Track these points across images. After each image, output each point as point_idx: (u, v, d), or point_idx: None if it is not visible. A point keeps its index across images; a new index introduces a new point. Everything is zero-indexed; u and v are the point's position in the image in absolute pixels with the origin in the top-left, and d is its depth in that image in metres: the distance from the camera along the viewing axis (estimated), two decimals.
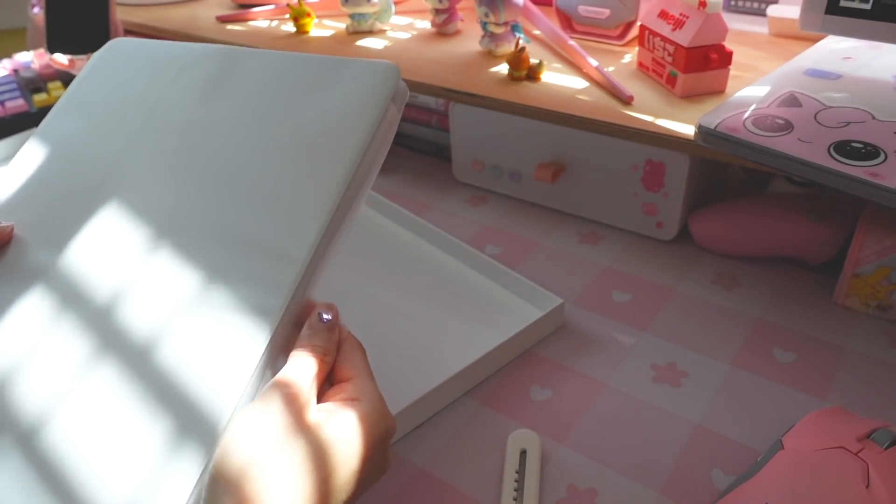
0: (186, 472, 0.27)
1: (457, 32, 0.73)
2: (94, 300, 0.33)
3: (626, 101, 0.55)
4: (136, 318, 0.32)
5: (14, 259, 0.35)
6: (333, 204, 0.33)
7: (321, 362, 0.30)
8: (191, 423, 0.28)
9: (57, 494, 0.28)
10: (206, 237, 0.34)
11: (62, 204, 0.37)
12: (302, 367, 0.30)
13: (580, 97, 0.56)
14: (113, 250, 0.34)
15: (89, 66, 0.44)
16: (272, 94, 0.37)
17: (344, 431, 0.28)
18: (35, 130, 0.42)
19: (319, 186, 0.33)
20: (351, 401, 0.30)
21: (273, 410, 0.27)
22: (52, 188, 0.38)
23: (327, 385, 0.32)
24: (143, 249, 0.34)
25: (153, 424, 0.28)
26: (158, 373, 0.30)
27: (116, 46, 0.45)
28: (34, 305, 0.33)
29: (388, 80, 0.35)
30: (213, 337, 0.30)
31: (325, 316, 0.32)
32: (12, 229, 0.36)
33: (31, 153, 0.41)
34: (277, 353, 0.31)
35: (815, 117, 0.45)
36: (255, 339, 0.30)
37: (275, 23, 0.81)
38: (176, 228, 0.34)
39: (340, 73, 0.36)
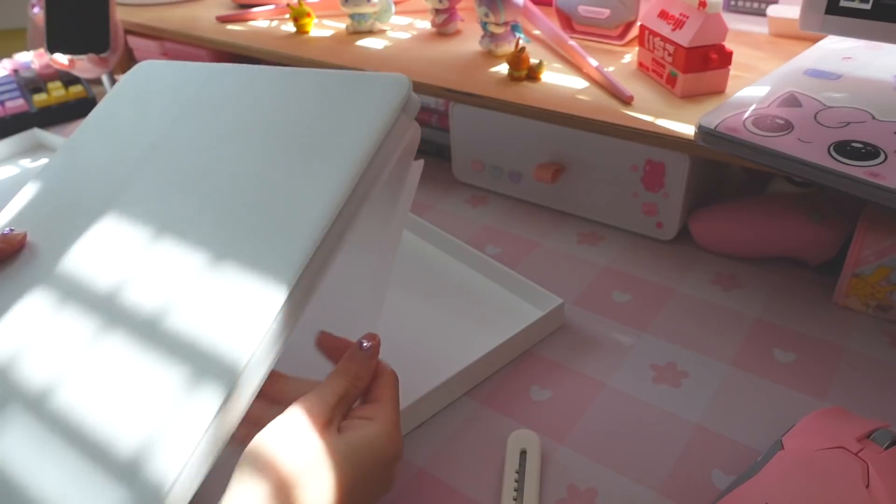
0: (204, 410, 0.28)
1: (457, 32, 0.74)
2: (109, 282, 0.35)
3: (626, 101, 0.55)
4: (150, 292, 0.33)
5: (28, 260, 0.38)
6: (340, 198, 0.33)
7: (352, 386, 0.33)
8: (208, 369, 0.29)
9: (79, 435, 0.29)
10: (214, 229, 0.35)
11: (75, 214, 0.39)
12: (329, 387, 0.32)
13: (580, 97, 0.56)
14: (124, 246, 0.36)
15: (114, 89, 0.46)
16: (283, 108, 0.39)
17: (349, 447, 0.30)
18: (58, 150, 0.44)
19: (325, 187, 0.34)
20: (366, 420, 0.32)
21: (287, 421, 0.29)
22: (65, 201, 0.40)
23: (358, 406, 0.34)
24: (152, 242, 0.36)
25: (172, 369, 0.30)
26: (176, 331, 0.31)
27: (142, 69, 0.47)
28: (51, 289, 0.36)
29: (397, 91, 0.36)
30: (228, 299, 0.32)
31: (365, 344, 0.35)
32: (25, 235, 0.39)
33: (49, 170, 0.43)
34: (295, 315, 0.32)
35: (815, 117, 0.45)
36: (271, 296, 0.31)
37: (275, 23, 0.81)
38: (183, 226, 0.36)
39: (350, 87, 0.37)
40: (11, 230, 0.39)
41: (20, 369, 0.33)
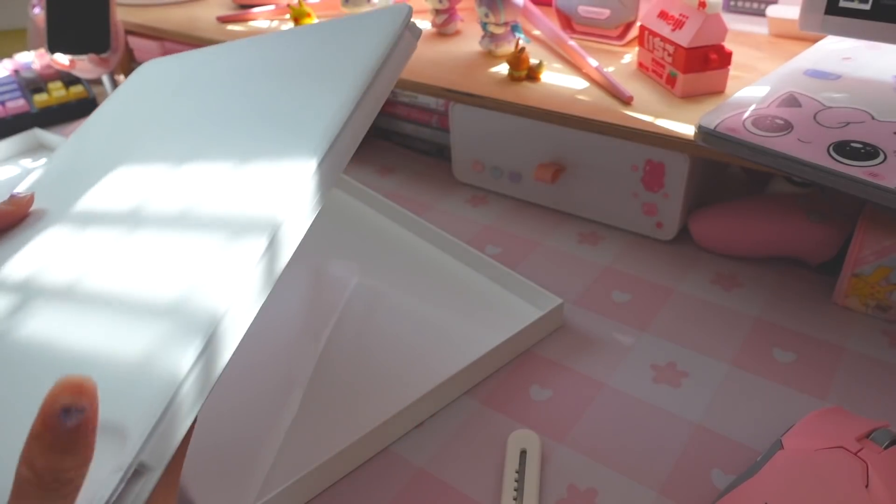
0: (250, 251, 0.28)
1: (457, 32, 0.74)
2: (134, 186, 0.36)
3: (626, 101, 0.55)
4: (168, 192, 0.34)
5: (37, 218, 0.38)
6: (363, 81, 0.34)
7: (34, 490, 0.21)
8: (249, 224, 0.30)
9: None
10: (231, 140, 0.36)
11: (83, 179, 0.39)
12: None
13: (580, 97, 0.56)
14: (143, 167, 0.37)
15: (118, 89, 0.48)
16: (287, 53, 0.40)
17: None
18: (58, 148, 0.45)
19: (342, 80, 0.35)
20: None
21: None
22: (73, 175, 0.41)
23: None
24: (172, 163, 0.37)
25: (214, 226, 0.30)
26: (215, 200, 0.32)
27: (145, 69, 0.48)
28: (70, 221, 0.36)
29: (397, 14, 0.37)
30: (261, 173, 0.32)
31: (66, 414, 0.21)
32: (32, 197, 0.38)
33: (53, 161, 0.43)
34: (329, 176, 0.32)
35: (814, 117, 0.45)
36: (304, 162, 0.31)
37: (275, 23, 0.81)
38: (199, 145, 0.37)
39: (352, 21, 0.39)
40: (18, 193, 0.38)
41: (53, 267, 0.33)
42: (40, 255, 0.35)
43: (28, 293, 0.33)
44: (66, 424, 0.21)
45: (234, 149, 0.35)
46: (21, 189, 0.41)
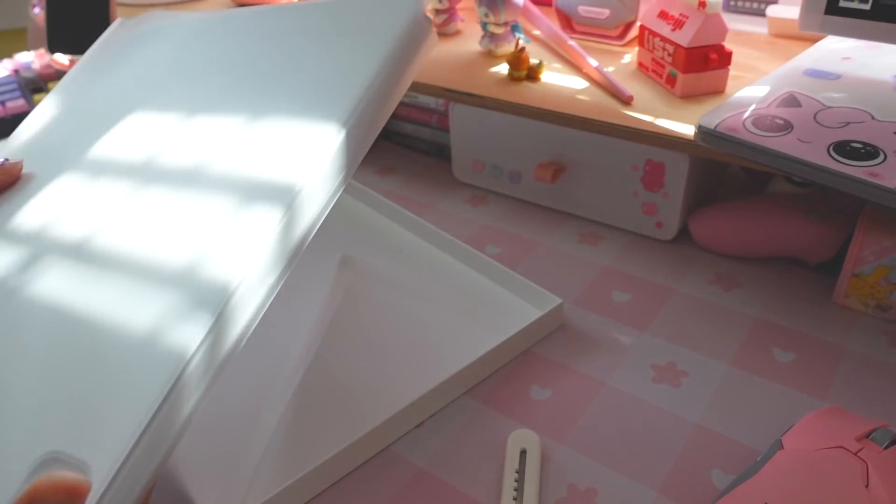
0: (267, 221, 0.27)
1: (457, 32, 0.74)
2: (145, 150, 0.35)
3: (626, 101, 0.55)
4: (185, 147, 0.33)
5: (31, 181, 0.37)
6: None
7: None
8: (266, 191, 0.29)
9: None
10: (243, 104, 0.34)
11: (82, 142, 0.38)
12: None
13: (580, 97, 0.56)
14: (150, 128, 0.36)
15: (113, 31, 0.45)
16: (300, 27, 0.39)
17: None
18: (50, 92, 0.43)
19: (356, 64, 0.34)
20: None
21: None
22: (68, 135, 0.39)
23: None
24: (182, 121, 0.35)
25: (230, 191, 0.29)
26: (230, 164, 0.31)
27: (135, 22, 0.46)
28: (70, 181, 0.35)
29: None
30: (280, 139, 0.31)
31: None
32: (22, 165, 0.37)
33: (44, 110, 0.42)
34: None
35: (814, 117, 0.45)
36: (327, 131, 0.30)
37: None
38: (208, 107, 0.35)
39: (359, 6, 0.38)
40: (6, 160, 0.36)
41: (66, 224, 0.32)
42: (40, 216, 0.34)
43: (32, 254, 0.31)
44: None
45: (252, 108, 0.33)
46: (12, 149, 0.39)
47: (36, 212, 0.34)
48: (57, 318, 0.28)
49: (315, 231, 0.29)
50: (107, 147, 0.36)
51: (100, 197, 0.33)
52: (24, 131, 0.41)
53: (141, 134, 0.36)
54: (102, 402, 0.24)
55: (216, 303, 0.25)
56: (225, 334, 0.25)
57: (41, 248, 0.32)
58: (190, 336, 0.25)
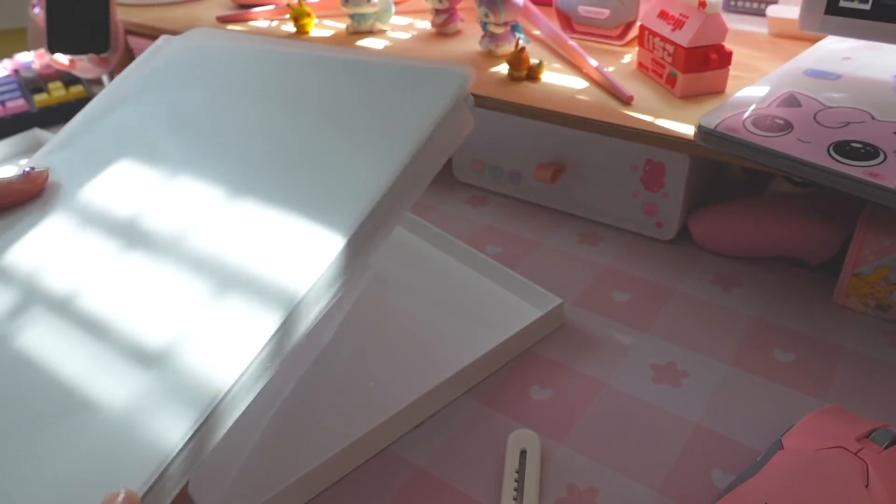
0: (263, 329, 0.28)
1: (457, 32, 0.74)
2: (154, 214, 0.35)
3: (626, 101, 0.55)
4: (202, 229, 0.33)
5: (52, 200, 0.37)
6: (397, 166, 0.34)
7: None
8: (265, 295, 0.29)
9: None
10: (262, 180, 0.35)
11: (108, 163, 0.38)
12: None
13: (580, 97, 0.56)
14: (168, 184, 0.36)
15: (161, 48, 0.45)
16: (335, 90, 0.39)
17: None
18: (93, 100, 0.44)
19: (380, 159, 0.34)
20: None
21: None
22: (98, 153, 0.40)
23: None
24: (198, 184, 0.35)
25: (229, 292, 0.30)
26: (230, 260, 0.31)
27: (190, 41, 0.46)
28: (81, 222, 0.35)
29: (455, 82, 0.36)
30: (285, 237, 0.31)
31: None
32: (48, 175, 0.37)
33: (84, 120, 0.42)
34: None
35: (814, 117, 0.45)
36: (331, 237, 0.30)
37: (275, 23, 0.81)
38: (230, 173, 0.35)
39: (408, 77, 0.38)
40: (32, 169, 0.37)
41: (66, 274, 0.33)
42: (42, 250, 0.34)
43: (24, 297, 0.32)
44: None
45: (267, 190, 0.34)
46: (39, 158, 0.39)
47: (31, 245, 0.35)
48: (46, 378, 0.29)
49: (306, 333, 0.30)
50: (106, 195, 0.36)
51: (88, 258, 0.33)
52: (53, 141, 0.42)
53: (144, 188, 0.36)
54: None
55: (204, 407, 0.26)
56: (208, 439, 0.26)
57: (28, 297, 0.33)
58: (173, 439, 0.25)
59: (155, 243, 0.33)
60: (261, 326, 0.28)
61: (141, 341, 0.29)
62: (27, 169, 0.36)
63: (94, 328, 0.30)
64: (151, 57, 0.45)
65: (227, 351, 0.27)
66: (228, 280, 0.30)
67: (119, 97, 0.43)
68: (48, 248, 0.34)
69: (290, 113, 0.38)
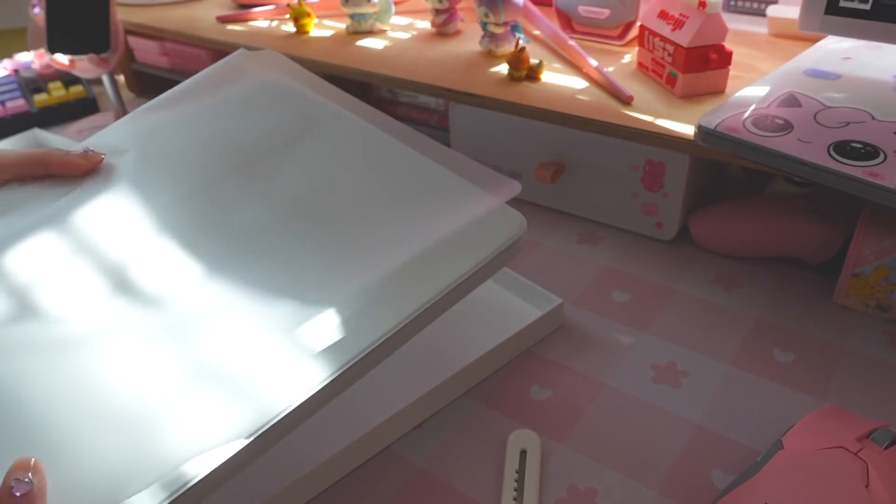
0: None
1: (457, 32, 0.74)
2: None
3: (626, 101, 0.55)
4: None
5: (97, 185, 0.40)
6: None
7: None
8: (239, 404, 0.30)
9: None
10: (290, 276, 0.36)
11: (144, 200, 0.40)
12: None
13: (580, 97, 0.56)
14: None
15: (231, 69, 0.47)
16: (391, 187, 0.40)
17: None
18: (137, 113, 0.46)
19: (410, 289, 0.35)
20: None
21: None
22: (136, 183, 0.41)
23: None
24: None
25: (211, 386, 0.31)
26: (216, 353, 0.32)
27: (273, 60, 0.48)
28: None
29: (509, 229, 0.38)
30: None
31: (15, 485, 0.26)
32: (102, 159, 0.41)
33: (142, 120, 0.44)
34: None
35: (814, 117, 0.45)
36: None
37: (275, 23, 0.81)
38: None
39: (465, 198, 0.39)
40: (91, 150, 0.40)
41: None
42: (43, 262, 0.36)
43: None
44: (16, 495, 0.25)
45: (282, 290, 0.35)
46: (95, 140, 0.42)
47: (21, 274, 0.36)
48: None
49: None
50: (127, 224, 0.38)
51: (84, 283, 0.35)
52: (106, 136, 0.44)
53: (172, 230, 0.37)
54: None
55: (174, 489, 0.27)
56: None
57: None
58: None
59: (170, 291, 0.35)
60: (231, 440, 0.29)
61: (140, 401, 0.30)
62: (88, 149, 0.40)
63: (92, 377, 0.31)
64: (233, 75, 0.46)
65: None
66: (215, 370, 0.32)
67: (195, 105, 0.45)
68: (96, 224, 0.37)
69: (336, 197, 0.39)
